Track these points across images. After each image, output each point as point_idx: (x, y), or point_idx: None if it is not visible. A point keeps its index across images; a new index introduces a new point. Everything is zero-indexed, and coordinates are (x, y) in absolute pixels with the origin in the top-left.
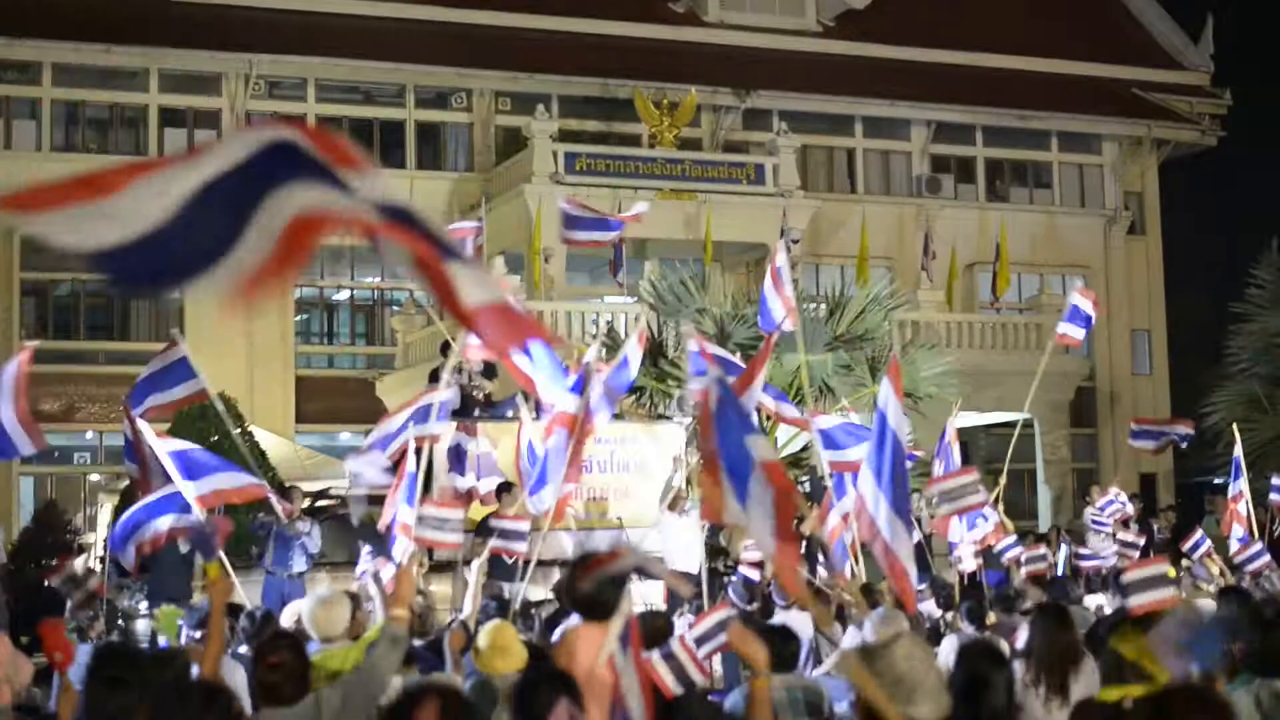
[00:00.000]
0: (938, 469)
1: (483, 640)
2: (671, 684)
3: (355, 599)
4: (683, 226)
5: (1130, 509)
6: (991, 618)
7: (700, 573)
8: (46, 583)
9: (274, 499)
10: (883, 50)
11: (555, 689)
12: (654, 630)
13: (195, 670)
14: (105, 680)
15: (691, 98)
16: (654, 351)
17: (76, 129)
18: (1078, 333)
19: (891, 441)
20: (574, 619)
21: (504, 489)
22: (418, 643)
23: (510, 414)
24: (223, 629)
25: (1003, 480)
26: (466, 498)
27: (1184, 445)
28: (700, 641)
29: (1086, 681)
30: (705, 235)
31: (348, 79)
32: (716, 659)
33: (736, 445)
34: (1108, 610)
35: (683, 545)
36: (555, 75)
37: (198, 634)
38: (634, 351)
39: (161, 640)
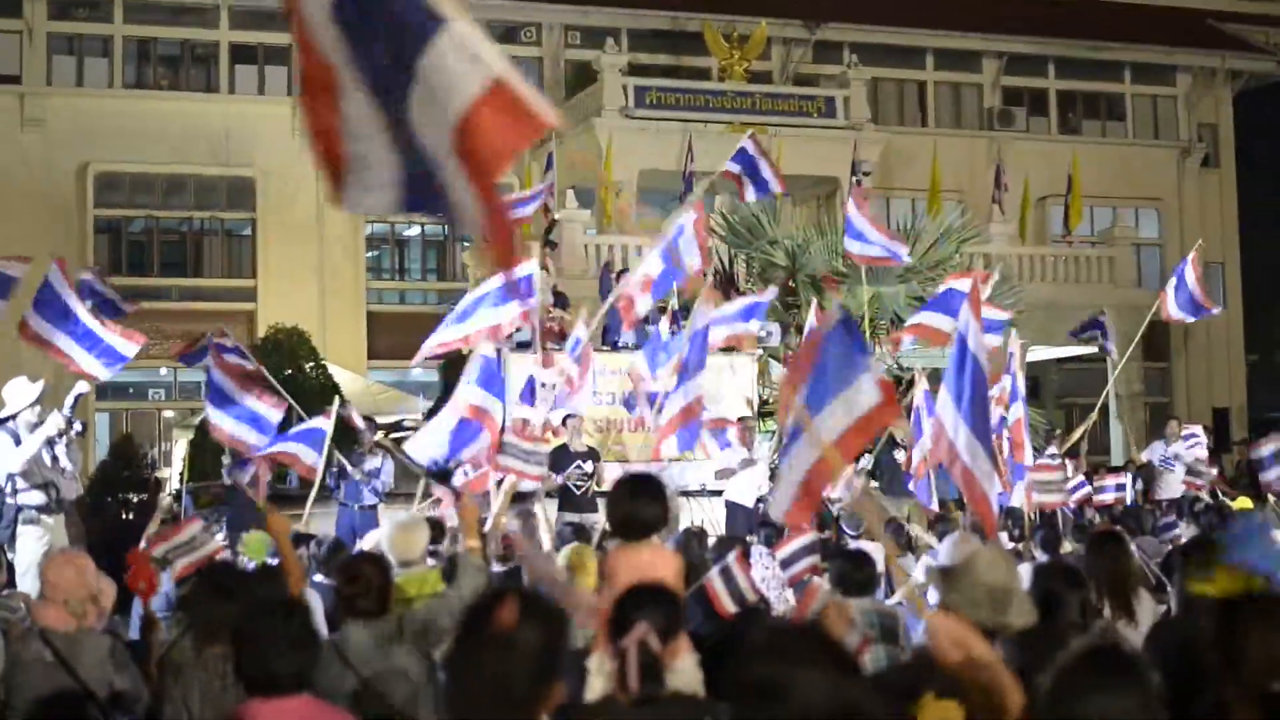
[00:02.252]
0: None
1: (561, 561)
2: (727, 602)
3: (437, 525)
4: None
5: (1204, 447)
6: (1066, 546)
7: (757, 505)
8: (124, 515)
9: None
10: None
11: (639, 610)
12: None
13: None
14: (213, 590)
15: (761, 30)
16: (725, 284)
17: (148, 66)
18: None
19: (971, 365)
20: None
21: (567, 419)
22: (499, 568)
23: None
24: (293, 557)
25: (1093, 417)
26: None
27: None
28: (786, 564)
29: (1146, 612)
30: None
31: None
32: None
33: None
34: (1183, 539)
35: (743, 478)
36: (625, 9)
37: (275, 561)
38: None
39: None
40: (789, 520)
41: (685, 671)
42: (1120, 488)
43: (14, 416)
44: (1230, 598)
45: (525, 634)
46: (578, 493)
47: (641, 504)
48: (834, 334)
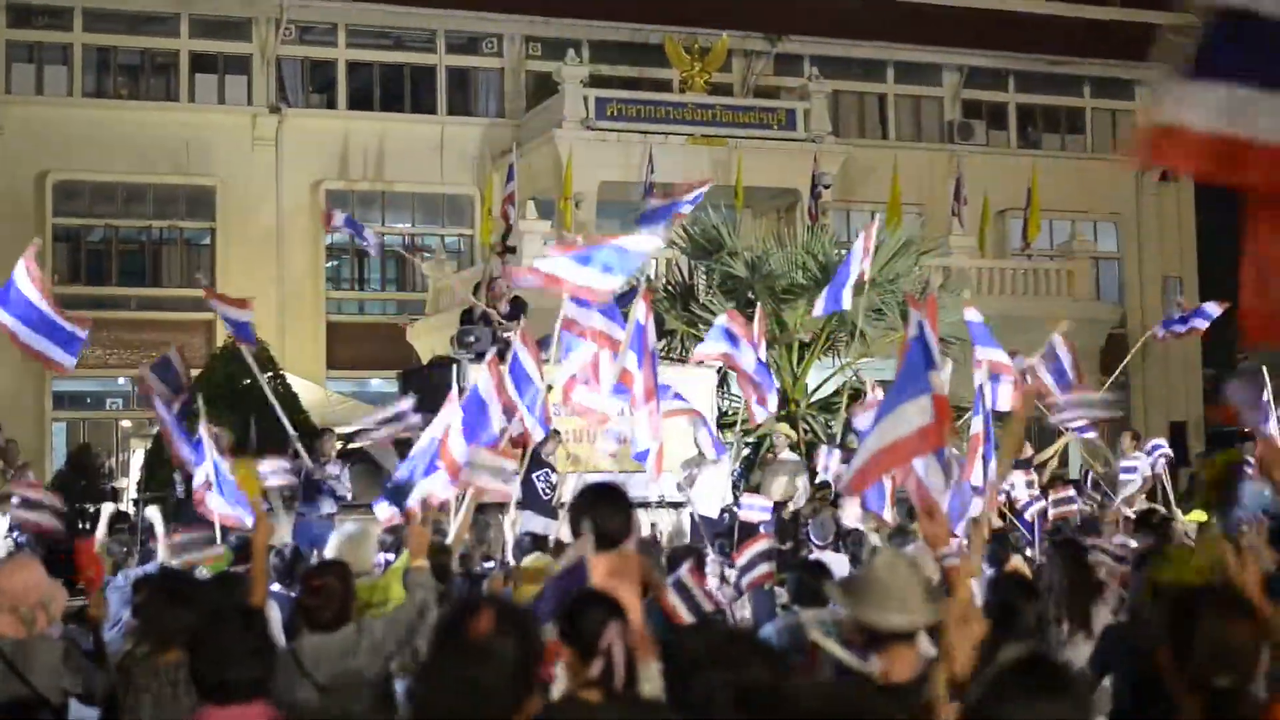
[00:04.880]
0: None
1: (519, 572)
2: (684, 613)
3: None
4: (713, 171)
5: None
6: (1015, 561)
7: (724, 515)
8: (80, 525)
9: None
10: None
11: (607, 610)
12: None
13: None
14: (168, 597)
15: (723, 43)
16: (685, 295)
17: (107, 74)
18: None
19: None
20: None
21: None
22: (459, 580)
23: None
24: (264, 563)
25: (1068, 436)
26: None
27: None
28: (741, 571)
29: (1102, 622)
30: (736, 180)
31: (378, 24)
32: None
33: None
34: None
35: (707, 489)
36: (586, 20)
37: (242, 569)
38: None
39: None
40: (853, 489)
41: (650, 677)
42: (1072, 500)
43: None
44: (1183, 590)
45: (502, 643)
46: (544, 498)
47: (606, 514)
48: (914, 346)
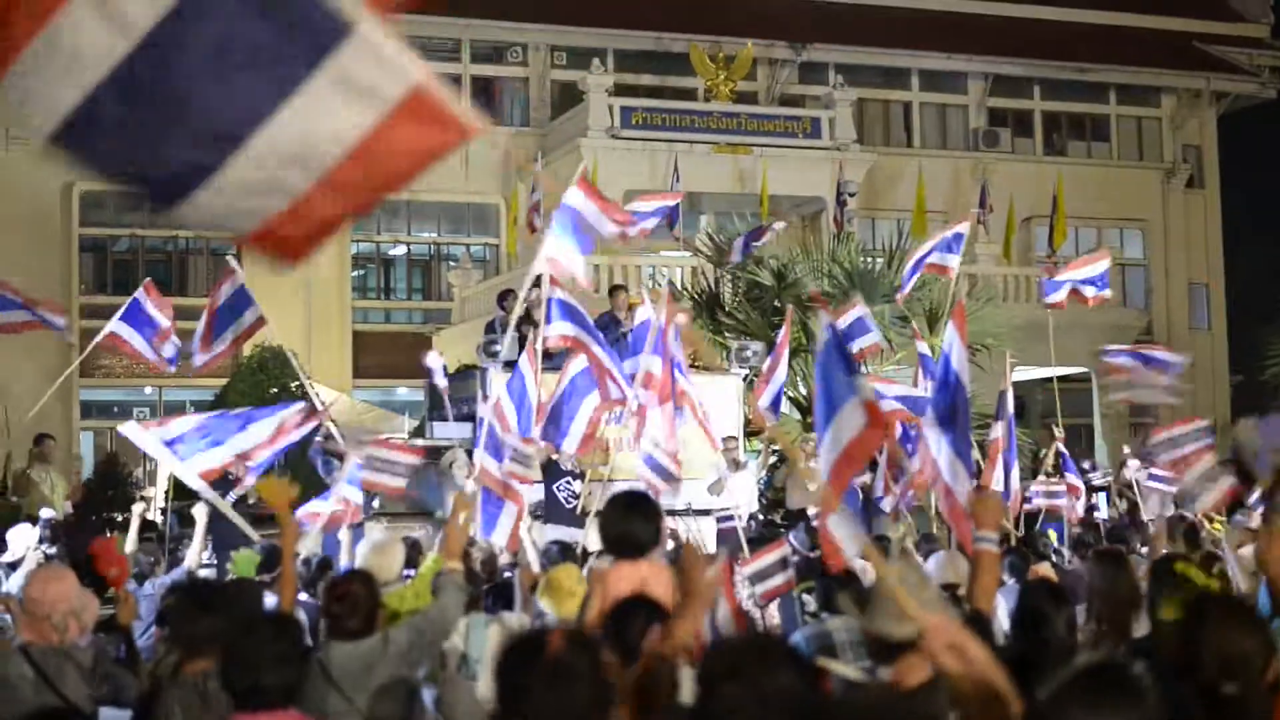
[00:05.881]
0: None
1: (547, 581)
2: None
3: (415, 544)
4: (738, 180)
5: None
6: (1045, 569)
7: (751, 523)
8: (108, 533)
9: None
10: (940, 2)
11: (650, 615)
12: None
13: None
14: (195, 605)
15: (747, 51)
16: (711, 304)
17: None
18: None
19: (955, 385)
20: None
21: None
22: (485, 586)
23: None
24: (294, 569)
25: (1059, 434)
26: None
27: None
28: (757, 579)
29: (1144, 628)
30: (761, 189)
31: (403, 33)
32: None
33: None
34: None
35: (735, 497)
36: (610, 29)
37: (267, 577)
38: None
39: None
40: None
41: (686, 683)
42: (1060, 495)
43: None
44: (1195, 598)
45: (580, 662)
46: (567, 506)
47: (637, 522)
48: (824, 355)
